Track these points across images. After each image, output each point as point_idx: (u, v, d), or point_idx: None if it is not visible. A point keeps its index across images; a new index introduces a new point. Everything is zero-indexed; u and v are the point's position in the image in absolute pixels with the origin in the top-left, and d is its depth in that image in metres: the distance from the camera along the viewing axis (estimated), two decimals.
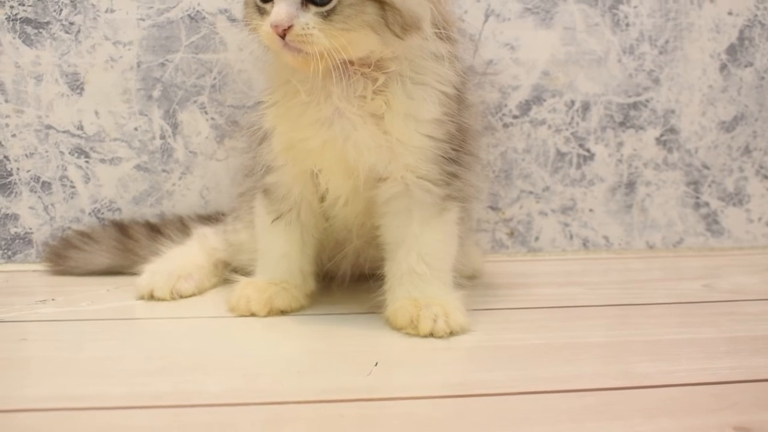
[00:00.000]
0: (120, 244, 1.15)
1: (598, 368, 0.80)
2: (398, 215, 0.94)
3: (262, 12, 0.89)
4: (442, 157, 0.93)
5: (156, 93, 1.20)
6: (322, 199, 0.98)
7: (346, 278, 1.05)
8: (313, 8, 0.85)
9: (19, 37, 1.18)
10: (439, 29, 0.91)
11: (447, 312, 0.90)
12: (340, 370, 0.79)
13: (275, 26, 0.85)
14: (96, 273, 1.15)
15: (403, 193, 0.93)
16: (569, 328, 0.93)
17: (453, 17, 0.94)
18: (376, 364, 0.79)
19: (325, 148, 0.92)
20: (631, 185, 1.27)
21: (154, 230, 1.15)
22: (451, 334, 0.89)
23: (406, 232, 0.94)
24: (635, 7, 1.24)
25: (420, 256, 0.93)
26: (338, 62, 0.86)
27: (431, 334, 0.89)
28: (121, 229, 1.17)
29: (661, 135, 1.27)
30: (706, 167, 1.29)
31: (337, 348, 0.86)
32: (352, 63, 0.89)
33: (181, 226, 1.16)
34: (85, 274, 1.15)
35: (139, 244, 1.14)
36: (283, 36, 0.85)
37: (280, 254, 0.99)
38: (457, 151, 0.94)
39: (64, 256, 1.16)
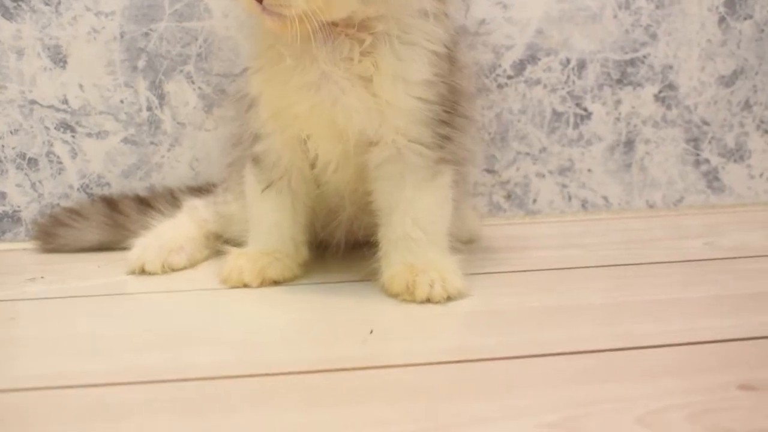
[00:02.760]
0: (110, 220, 1.13)
1: (597, 330, 0.78)
2: (391, 180, 0.92)
3: None
4: (435, 119, 0.91)
5: (141, 64, 1.18)
6: (313, 165, 0.95)
7: (340, 246, 1.03)
8: None
9: None
10: None
11: (444, 277, 0.88)
12: (335, 340, 0.77)
13: None
14: (87, 249, 1.13)
15: (395, 158, 0.91)
16: (568, 290, 0.91)
17: None
18: (371, 332, 0.77)
19: (312, 113, 0.90)
20: (629, 144, 1.25)
21: (144, 204, 1.13)
22: (449, 299, 0.88)
23: (399, 197, 0.92)
24: None
25: (414, 220, 0.91)
26: (319, 24, 0.83)
27: (428, 300, 0.87)
28: (110, 204, 1.14)
29: (660, 92, 1.24)
30: (706, 123, 1.26)
31: (331, 317, 0.85)
32: (336, 24, 0.86)
33: (172, 199, 1.13)
34: (76, 251, 1.13)
35: (130, 219, 1.12)
36: (260, 0, 0.82)
37: (271, 223, 0.97)
38: (449, 113, 0.92)
39: (53, 234, 1.14)
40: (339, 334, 0.79)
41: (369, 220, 0.97)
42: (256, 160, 0.97)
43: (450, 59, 0.92)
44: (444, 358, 0.71)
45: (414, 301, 0.87)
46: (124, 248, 1.06)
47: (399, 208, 0.92)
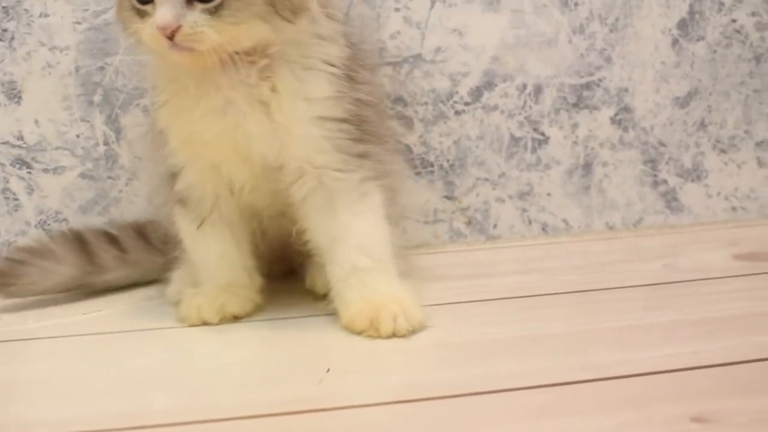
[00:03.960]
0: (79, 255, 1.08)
1: (557, 362, 0.78)
2: (320, 211, 0.91)
3: (142, 14, 0.85)
4: (346, 139, 0.90)
5: (97, 98, 1.17)
6: (231, 191, 0.94)
7: (290, 264, 1.04)
8: (198, 5, 0.83)
9: None
10: (323, 8, 0.90)
11: (405, 309, 0.88)
12: (292, 379, 0.77)
13: (162, 29, 0.82)
14: (55, 290, 1.06)
15: (318, 188, 0.91)
16: (528, 319, 0.91)
17: None
18: (327, 371, 0.77)
19: (219, 139, 0.89)
20: (587, 166, 1.26)
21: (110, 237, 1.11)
22: (412, 331, 0.87)
23: (334, 226, 0.90)
24: None
25: (359, 248, 0.90)
26: (229, 55, 0.85)
27: (393, 335, 0.86)
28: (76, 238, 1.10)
29: (616, 114, 1.25)
30: (663, 144, 1.27)
31: (288, 355, 0.84)
32: (237, 53, 0.86)
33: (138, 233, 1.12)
34: (42, 293, 1.06)
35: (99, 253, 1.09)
36: (171, 38, 0.82)
37: (217, 256, 0.96)
38: (360, 130, 0.92)
39: (16, 275, 1.05)
40: (296, 373, 0.78)
41: (290, 225, 0.96)
42: (182, 201, 0.96)
43: (349, 78, 0.92)
44: (402, 396, 0.71)
45: (380, 336, 0.86)
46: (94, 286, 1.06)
47: (338, 238, 0.90)
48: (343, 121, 0.90)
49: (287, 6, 0.85)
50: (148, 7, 0.85)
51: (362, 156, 0.92)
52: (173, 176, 0.96)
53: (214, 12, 0.83)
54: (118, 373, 0.81)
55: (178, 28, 0.82)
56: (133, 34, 0.87)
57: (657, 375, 0.74)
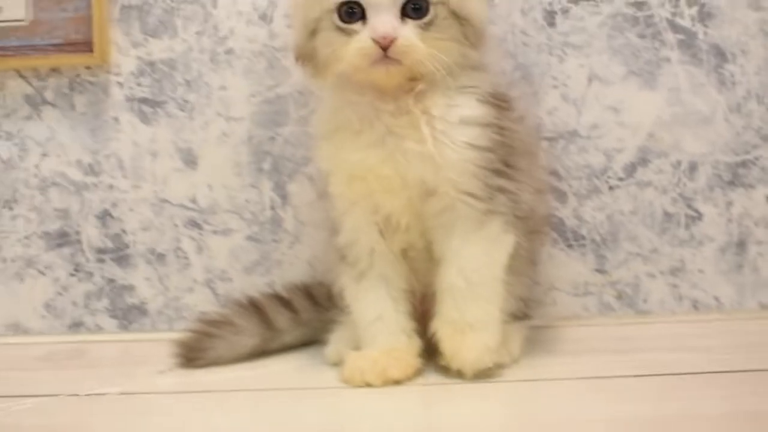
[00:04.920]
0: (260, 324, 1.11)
1: None
2: (443, 229, 0.96)
3: (348, 33, 0.92)
4: (486, 168, 0.94)
5: (266, 165, 1.24)
6: (385, 232, 0.99)
7: None
8: (411, 21, 0.91)
9: (137, 116, 1.24)
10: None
11: (486, 342, 0.95)
12: None
13: (383, 37, 0.89)
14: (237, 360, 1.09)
15: (449, 207, 0.95)
16: (680, 399, 0.90)
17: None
18: None
19: (379, 166, 0.94)
20: (741, 244, 1.25)
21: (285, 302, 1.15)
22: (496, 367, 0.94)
23: (447, 249, 0.95)
24: (741, 65, 1.22)
25: (459, 270, 0.94)
26: (422, 74, 0.92)
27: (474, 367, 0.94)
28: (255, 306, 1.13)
29: None
30: None
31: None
32: (416, 78, 0.93)
33: (308, 295, 1.16)
34: (230, 362, 1.08)
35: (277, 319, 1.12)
36: (385, 48, 0.88)
37: (374, 317, 1.00)
38: (502, 162, 0.96)
39: (202, 349, 1.08)
40: None
41: None
42: (343, 258, 1.01)
43: (497, 107, 0.97)
44: None
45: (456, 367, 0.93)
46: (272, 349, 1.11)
47: (447, 257, 0.95)
48: (488, 150, 0.94)
49: (475, 33, 0.94)
50: (355, 26, 0.92)
51: (497, 189, 0.95)
52: (336, 232, 1.01)
53: (424, 28, 0.91)
54: (278, 430, 0.85)
55: (395, 39, 0.89)
56: (330, 57, 0.94)
57: None
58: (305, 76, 1.04)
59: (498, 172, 0.95)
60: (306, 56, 0.98)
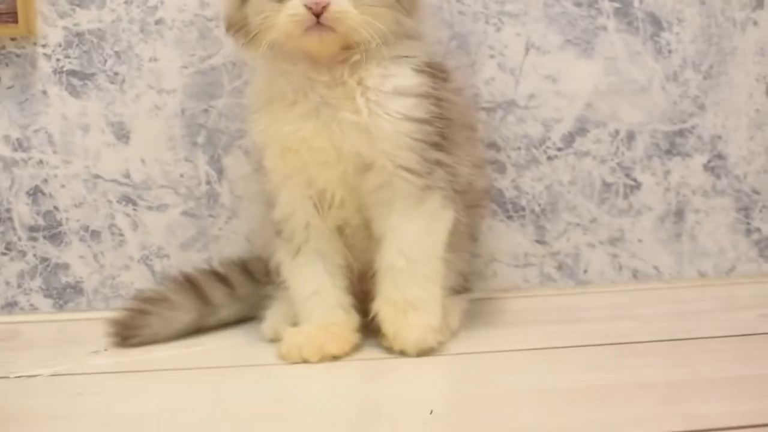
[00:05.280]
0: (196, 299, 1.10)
1: (656, 411, 0.78)
2: (382, 207, 0.95)
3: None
4: (423, 141, 0.93)
5: (200, 139, 1.21)
6: (320, 207, 0.98)
7: None
8: None
9: (66, 89, 1.20)
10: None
11: (431, 320, 0.95)
12: (394, 421, 0.78)
13: (316, 3, 0.87)
14: (178, 336, 1.07)
15: (386, 183, 0.94)
16: (622, 367, 0.91)
17: None
18: (431, 413, 0.78)
19: (313, 137, 0.93)
20: (680, 213, 1.26)
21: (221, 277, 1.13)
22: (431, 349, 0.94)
23: (386, 225, 0.95)
24: (677, 33, 1.22)
25: (399, 249, 0.94)
26: (357, 42, 0.91)
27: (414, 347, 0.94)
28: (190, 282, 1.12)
29: (709, 161, 1.25)
30: (756, 192, 1.26)
31: (388, 395, 0.86)
32: (351, 47, 0.92)
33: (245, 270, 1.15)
34: (167, 340, 1.07)
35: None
36: (318, 15, 0.88)
37: (313, 290, 0.99)
38: (439, 135, 0.95)
39: (138, 327, 1.06)
40: (398, 416, 0.80)
41: None
42: (279, 232, 1.00)
43: (433, 76, 0.96)
44: None
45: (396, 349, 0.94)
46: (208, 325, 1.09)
47: (387, 236, 0.95)
48: (425, 122, 0.94)
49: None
50: None
51: (435, 163, 0.95)
52: (271, 206, 1.00)
53: None
54: (217, 409, 0.84)
55: (327, 5, 0.88)
56: (262, 25, 0.92)
57: (759, 428, 0.73)
58: (237, 47, 1.02)
59: (436, 145, 0.95)
60: (237, 25, 0.96)
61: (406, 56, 0.96)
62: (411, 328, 0.94)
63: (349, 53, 0.94)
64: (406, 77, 0.94)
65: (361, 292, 1.02)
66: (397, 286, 0.94)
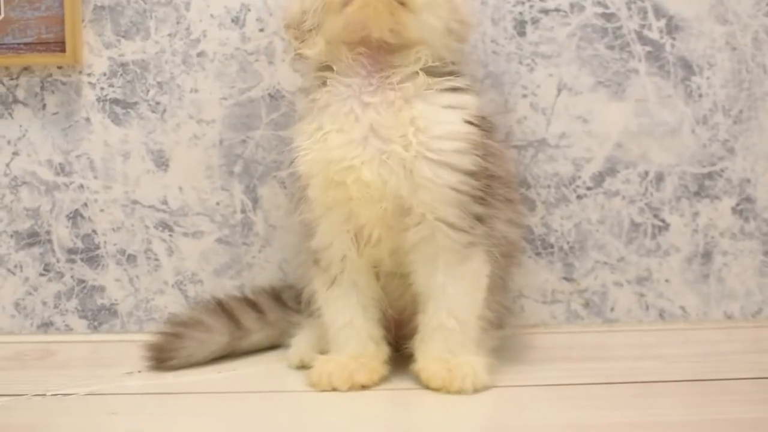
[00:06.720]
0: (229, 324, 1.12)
1: None
2: (424, 262, 0.96)
3: None
4: (466, 194, 0.94)
5: (237, 169, 1.24)
6: (357, 242, 0.99)
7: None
8: None
9: (108, 117, 1.24)
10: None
11: (476, 372, 0.95)
12: None
13: None
14: (209, 359, 1.09)
15: (429, 238, 0.95)
16: (645, 406, 0.91)
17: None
18: None
19: (361, 169, 0.94)
20: (707, 255, 1.26)
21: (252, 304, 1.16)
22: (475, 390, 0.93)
23: (432, 282, 0.96)
24: (708, 78, 1.24)
25: (449, 311, 0.96)
26: (408, 39, 0.95)
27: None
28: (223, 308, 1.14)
29: (737, 204, 1.26)
30: None
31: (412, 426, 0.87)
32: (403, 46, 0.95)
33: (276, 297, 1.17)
34: (199, 363, 1.08)
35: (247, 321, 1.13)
36: None
37: (343, 323, 1.01)
38: (482, 190, 0.95)
39: (175, 349, 1.07)
40: None
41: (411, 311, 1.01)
42: (316, 261, 1.02)
43: (484, 129, 0.97)
44: None
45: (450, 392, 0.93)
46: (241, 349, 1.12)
47: (433, 295, 0.96)
48: (470, 174, 0.94)
49: (460, 20, 0.98)
50: None
51: (478, 218, 0.95)
52: (309, 235, 1.01)
53: None
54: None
55: None
56: (317, 11, 0.95)
57: None
58: (293, 48, 1.05)
59: (479, 200, 0.95)
60: (296, 23, 1.00)
61: (460, 107, 0.97)
62: (462, 380, 0.94)
63: (400, 56, 0.96)
64: (457, 125, 0.95)
65: (393, 325, 1.04)
66: (449, 347, 0.96)
